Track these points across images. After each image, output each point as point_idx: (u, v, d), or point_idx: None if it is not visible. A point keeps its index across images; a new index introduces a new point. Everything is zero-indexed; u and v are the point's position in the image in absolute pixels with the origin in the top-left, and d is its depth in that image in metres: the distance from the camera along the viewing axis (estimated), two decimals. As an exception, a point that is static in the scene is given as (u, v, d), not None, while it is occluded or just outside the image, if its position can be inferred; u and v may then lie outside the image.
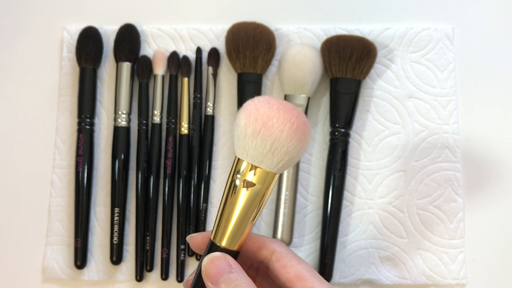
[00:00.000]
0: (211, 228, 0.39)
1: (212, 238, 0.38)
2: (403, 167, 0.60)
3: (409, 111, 0.61)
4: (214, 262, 0.36)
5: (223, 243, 0.37)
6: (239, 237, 0.37)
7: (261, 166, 0.36)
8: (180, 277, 0.58)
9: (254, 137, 0.36)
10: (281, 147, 0.36)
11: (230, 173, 0.37)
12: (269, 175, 0.37)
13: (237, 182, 0.37)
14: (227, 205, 0.37)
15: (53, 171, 0.62)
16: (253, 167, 0.36)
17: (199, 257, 0.59)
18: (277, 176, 0.37)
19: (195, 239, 0.41)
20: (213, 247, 0.38)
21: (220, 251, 0.37)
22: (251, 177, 0.36)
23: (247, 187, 0.36)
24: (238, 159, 0.37)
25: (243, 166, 0.37)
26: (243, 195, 0.37)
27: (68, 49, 0.64)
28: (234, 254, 0.38)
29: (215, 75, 0.62)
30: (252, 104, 0.37)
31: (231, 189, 0.37)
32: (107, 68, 0.64)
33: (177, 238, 0.59)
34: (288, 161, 0.37)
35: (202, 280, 0.37)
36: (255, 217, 0.37)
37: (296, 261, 0.38)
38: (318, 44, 0.63)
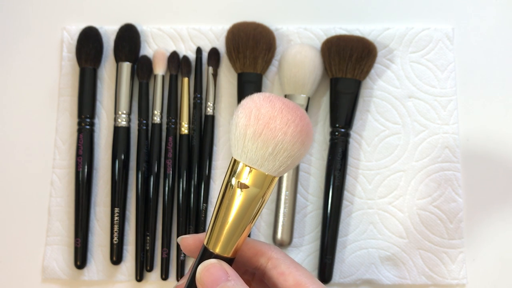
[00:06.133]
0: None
1: (205, 243, 0.35)
2: (403, 167, 0.60)
3: (409, 111, 0.61)
4: (210, 270, 0.34)
5: (217, 250, 0.34)
6: (235, 243, 0.34)
7: (261, 169, 0.33)
8: (180, 277, 0.58)
9: (255, 139, 0.33)
10: (283, 151, 0.33)
11: (226, 174, 0.35)
12: (267, 178, 0.34)
13: (234, 185, 0.34)
14: (222, 210, 0.34)
15: (53, 171, 0.62)
16: (252, 170, 0.34)
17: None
18: (276, 179, 0.35)
19: (187, 241, 0.38)
20: (206, 253, 0.35)
21: (213, 257, 0.35)
22: (249, 180, 0.34)
23: (244, 191, 0.34)
24: (235, 160, 0.34)
25: (240, 168, 0.34)
26: (240, 199, 0.34)
27: (68, 49, 0.64)
28: (229, 261, 0.35)
29: (215, 75, 0.62)
30: (252, 102, 0.34)
31: (227, 193, 0.34)
32: (107, 68, 0.64)
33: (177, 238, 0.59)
34: (290, 164, 0.34)
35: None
36: (253, 222, 0.35)
37: (294, 267, 0.36)
38: (318, 44, 0.63)
